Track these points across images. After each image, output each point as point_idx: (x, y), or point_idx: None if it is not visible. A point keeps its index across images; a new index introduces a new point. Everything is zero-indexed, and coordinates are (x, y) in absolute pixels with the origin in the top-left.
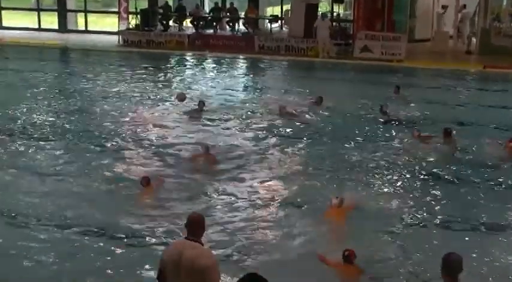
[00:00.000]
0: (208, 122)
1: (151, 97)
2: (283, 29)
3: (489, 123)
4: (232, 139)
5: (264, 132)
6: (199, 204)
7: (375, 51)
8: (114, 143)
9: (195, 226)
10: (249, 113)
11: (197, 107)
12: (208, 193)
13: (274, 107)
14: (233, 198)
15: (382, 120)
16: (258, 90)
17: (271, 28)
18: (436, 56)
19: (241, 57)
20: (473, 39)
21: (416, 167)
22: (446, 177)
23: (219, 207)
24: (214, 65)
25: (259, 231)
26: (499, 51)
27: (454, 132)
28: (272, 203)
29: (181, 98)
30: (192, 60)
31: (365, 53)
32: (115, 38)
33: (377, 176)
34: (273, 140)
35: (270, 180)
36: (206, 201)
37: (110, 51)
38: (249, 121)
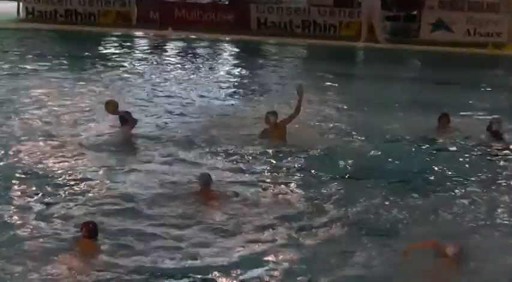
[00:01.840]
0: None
1: (69, 105)
2: None
3: None
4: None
5: (268, 167)
6: None
7: (456, 28)
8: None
9: None
10: (240, 135)
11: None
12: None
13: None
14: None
15: (491, 146)
16: (254, 98)
17: None
18: None
19: (227, 39)
20: None
21: None
22: None
23: None
24: (181, 54)
25: None
26: None
27: None
28: None
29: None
30: (142, 46)
31: (439, 32)
32: (13, 5)
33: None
34: (281, 179)
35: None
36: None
37: (4, 29)
38: (236, 149)
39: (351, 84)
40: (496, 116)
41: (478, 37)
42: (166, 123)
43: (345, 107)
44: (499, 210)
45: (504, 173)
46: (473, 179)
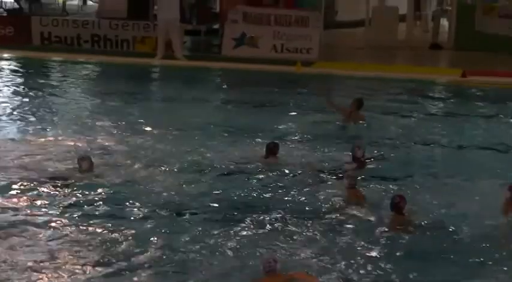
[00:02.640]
0: None
1: None
2: (89, 2)
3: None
4: None
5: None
6: None
7: (263, 44)
8: None
9: None
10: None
11: None
12: None
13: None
14: None
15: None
16: (32, 122)
17: (64, 2)
18: (376, 53)
19: (5, 56)
20: (444, 23)
21: None
22: None
23: None
24: None
25: None
26: (489, 43)
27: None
28: None
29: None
30: None
31: (244, 48)
32: None
33: None
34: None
35: None
36: None
37: None
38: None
39: (145, 106)
40: (359, 141)
41: (287, 53)
42: None
43: (141, 132)
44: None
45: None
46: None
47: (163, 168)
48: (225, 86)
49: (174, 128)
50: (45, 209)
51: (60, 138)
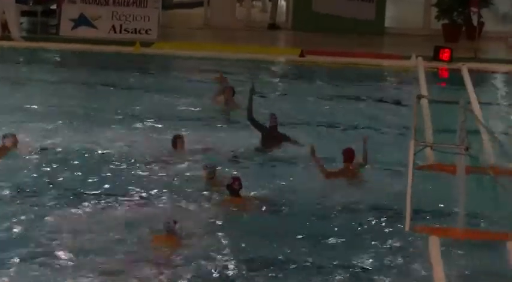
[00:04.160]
0: None
1: None
2: None
3: None
4: None
5: None
6: None
7: (100, 25)
8: None
9: None
10: None
11: None
12: None
13: None
14: None
15: None
16: None
17: None
18: (215, 34)
19: None
20: (282, 3)
21: None
22: None
23: None
24: None
25: None
26: (325, 23)
27: None
28: None
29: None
30: None
31: (81, 29)
32: None
33: None
34: None
35: None
36: None
37: None
38: None
39: None
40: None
41: (126, 34)
42: None
43: None
44: None
45: None
46: None
47: None
48: (62, 67)
49: (10, 110)
50: None
51: None
